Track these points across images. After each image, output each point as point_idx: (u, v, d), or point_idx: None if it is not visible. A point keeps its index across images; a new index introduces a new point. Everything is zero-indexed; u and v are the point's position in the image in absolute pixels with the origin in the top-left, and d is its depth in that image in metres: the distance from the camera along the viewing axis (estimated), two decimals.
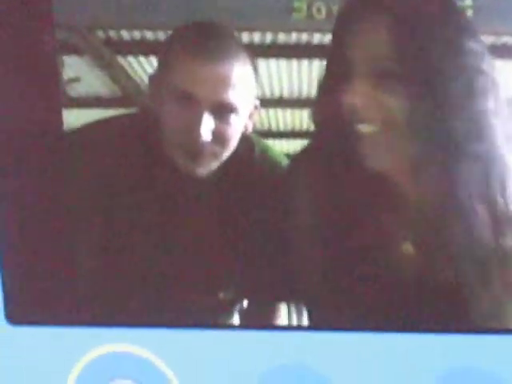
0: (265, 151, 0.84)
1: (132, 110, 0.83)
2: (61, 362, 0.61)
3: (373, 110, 0.72)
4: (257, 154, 0.83)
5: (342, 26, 0.76)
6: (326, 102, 0.75)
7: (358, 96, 0.72)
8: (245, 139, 0.81)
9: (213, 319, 0.78)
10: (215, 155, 0.78)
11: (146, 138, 0.78)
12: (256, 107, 0.82)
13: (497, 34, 0.80)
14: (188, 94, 0.76)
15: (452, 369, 0.59)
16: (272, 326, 0.62)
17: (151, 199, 0.78)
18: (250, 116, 0.81)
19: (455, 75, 0.74)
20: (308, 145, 0.79)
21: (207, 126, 0.75)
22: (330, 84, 0.76)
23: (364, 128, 0.72)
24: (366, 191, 0.74)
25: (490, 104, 0.73)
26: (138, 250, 0.79)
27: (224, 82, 0.77)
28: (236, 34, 0.79)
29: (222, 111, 0.77)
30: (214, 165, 0.78)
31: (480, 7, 0.80)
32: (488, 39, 0.78)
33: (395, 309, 0.69)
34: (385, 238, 0.73)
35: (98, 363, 0.61)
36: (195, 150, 0.76)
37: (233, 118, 0.78)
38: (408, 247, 0.73)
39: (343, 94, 0.72)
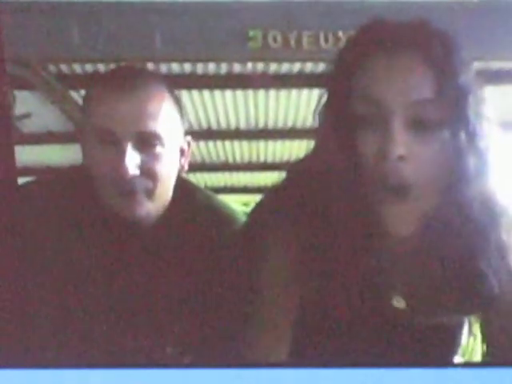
0: (213, 205, 0.81)
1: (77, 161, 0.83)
2: None
3: (414, 164, 0.65)
4: (200, 204, 0.82)
5: (364, 60, 0.66)
6: (343, 147, 0.67)
7: (401, 146, 0.64)
8: (185, 186, 0.80)
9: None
10: (148, 192, 0.79)
11: (88, 191, 0.79)
12: (189, 144, 0.81)
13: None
14: (107, 131, 0.78)
15: None
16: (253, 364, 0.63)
17: (96, 250, 0.80)
18: (183, 153, 0.80)
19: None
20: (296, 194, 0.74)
21: (132, 159, 0.76)
22: (350, 128, 0.67)
23: (403, 184, 0.64)
24: (364, 248, 0.70)
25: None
26: (86, 300, 0.81)
27: (141, 114, 0.77)
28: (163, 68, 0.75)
29: (145, 143, 0.78)
30: (152, 205, 0.78)
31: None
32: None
33: (387, 348, 0.70)
34: (376, 291, 0.71)
35: None
36: (126, 188, 0.78)
37: (158, 149, 0.78)
38: (399, 300, 0.72)
39: (378, 141, 0.64)
